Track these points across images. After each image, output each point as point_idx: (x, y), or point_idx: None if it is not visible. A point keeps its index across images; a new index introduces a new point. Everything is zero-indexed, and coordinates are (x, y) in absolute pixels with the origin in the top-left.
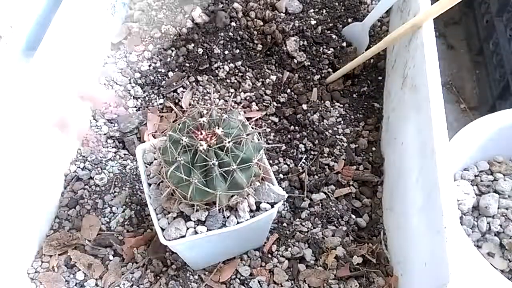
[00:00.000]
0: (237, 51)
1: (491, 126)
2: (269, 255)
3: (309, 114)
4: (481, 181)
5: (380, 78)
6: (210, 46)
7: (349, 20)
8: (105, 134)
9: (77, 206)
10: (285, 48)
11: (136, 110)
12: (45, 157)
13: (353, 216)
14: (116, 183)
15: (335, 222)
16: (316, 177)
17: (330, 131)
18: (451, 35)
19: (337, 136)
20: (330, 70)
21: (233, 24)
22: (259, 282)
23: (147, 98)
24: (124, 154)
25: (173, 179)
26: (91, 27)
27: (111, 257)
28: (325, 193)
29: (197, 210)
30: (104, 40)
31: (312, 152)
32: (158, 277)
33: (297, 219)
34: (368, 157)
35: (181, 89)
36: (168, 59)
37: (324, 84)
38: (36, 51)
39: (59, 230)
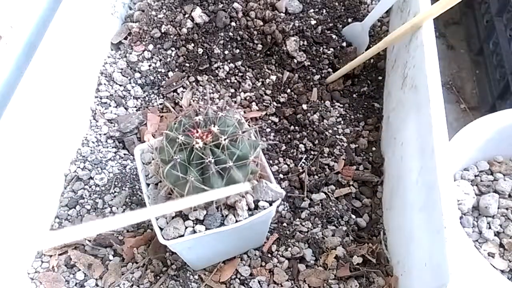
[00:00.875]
0: (237, 51)
1: (491, 126)
2: (269, 255)
3: (309, 114)
4: (481, 181)
5: (380, 78)
6: (210, 46)
7: (349, 20)
8: (105, 134)
9: (77, 206)
10: (285, 48)
11: (136, 110)
12: (45, 157)
13: (353, 216)
14: (116, 183)
15: (335, 222)
16: (316, 177)
17: (330, 131)
18: (451, 35)
19: (337, 136)
20: (330, 70)
21: (233, 24)
22: (259, 282)
23: (147, 98)
24: (124, 154)
25: (170, 178)
26: (91, 27)
27: (111, 257)
28: (325, 193)
29: (195, 210)
30: (104, 40)
31: (312, 152)
32: (158, 277)
33: (297, 219)
34: (368, 157)
35: (181, 89)
36: (168, 59)
37: (324, 84)
38: (36, 51)
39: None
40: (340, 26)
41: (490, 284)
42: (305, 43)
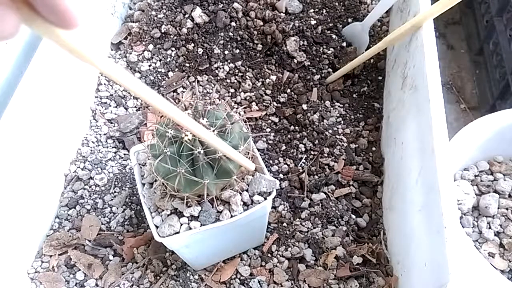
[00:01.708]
0: (237, 51)
1: (491, 126)
2: (269, 255)
3: (309, 114)
4: (481, 181)
5: (380, 78)
6: (210, 46)
7: (349, 20)
8: (105, 134)
9: (77, 206)
10: (285, 48)
11: (136, 110)
12: (45, 157)
13: (353, 216)
14: (116, 183)
15: (335, 222)
16: (316, 177)
17: (330, 131)
18: (451, 35)
19: (337, 136)
20: (330, 70)
21: (233, 24)
22: (259, 282)
23: None
24: (124, 154)
25: (161, 172)
26: (91, 27)
27: (111, 257)
28: (325, 193)
29: (189, 206)
30: (104, 40)
31: (312, 152)
32: (158, 277)
33: (297, 219)
34: (368, 157)
35: (181, 89)
36: (168, 59)
37: (324, 84)
38: (36, 51)
39: (59, 230)
40: (340, 26)
41: (490, 284)
42: (305, 43)
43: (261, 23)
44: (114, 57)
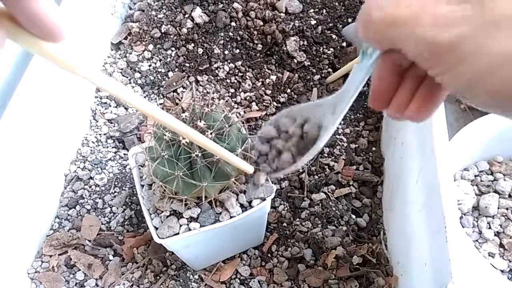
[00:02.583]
0: (237, 51)
1: (491, 126)
2: (269, 255)
3: None
4: (481, 181)
5: None
6: (210, 46)
7: (349, 20)
8: (105, 134)
9: (77, 206)
10: (285, 48)
11: (136, 110)
12: (45, 157)
13: (353, 216)
14: (116, 183)
15: (335, 222)
16: (316, 177)
17: None
18: None
19: (337, 136)
20: (330, 70)
21: (233, 24)
22: (259, 282)
23: (147, 98)
24: (124, 154)
25: (159, 175)
26: (91, 27)
27: (111, 257)
28: (325, 193)
29: (188, 208)
30: (104, 40)
31: None
32: (158, 277)
33: (297, 219)
34: (368, 157)
35: (181, 89)
36: (168, 59)
37: (324, 84)
38: None
39: (59, 230)
40: (340, 26)
41: (490, 284)
42: (305, 43)
43: (261, 23)
44: (114, 57)
